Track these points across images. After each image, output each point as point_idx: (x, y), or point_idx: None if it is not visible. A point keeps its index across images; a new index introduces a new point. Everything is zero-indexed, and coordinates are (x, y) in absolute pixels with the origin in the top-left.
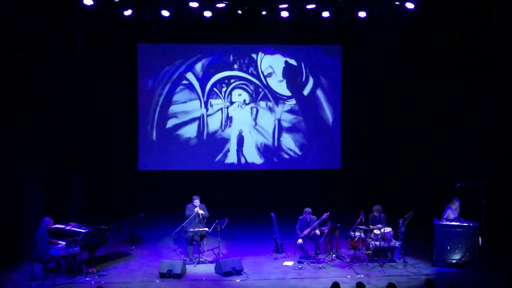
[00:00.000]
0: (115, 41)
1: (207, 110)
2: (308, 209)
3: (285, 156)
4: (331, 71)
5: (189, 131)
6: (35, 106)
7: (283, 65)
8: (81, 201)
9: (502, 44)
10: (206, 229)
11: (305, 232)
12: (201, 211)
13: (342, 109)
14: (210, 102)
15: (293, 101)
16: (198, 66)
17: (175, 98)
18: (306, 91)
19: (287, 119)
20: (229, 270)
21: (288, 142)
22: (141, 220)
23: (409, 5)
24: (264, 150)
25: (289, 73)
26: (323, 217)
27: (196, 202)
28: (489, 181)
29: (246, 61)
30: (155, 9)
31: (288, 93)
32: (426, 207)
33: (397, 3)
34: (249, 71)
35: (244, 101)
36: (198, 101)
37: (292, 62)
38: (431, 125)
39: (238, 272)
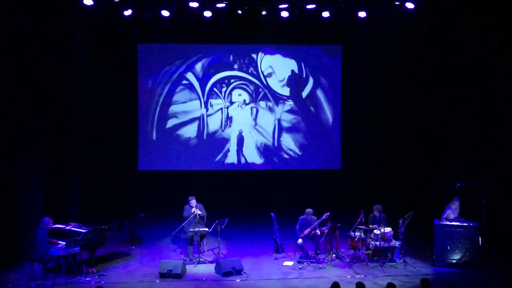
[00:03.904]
0: (115, 41)
1: (207, 110)
2: (309, 210)
3: (285, 156)
4: (331, 71)
5: (189, 131)
6: (35, 106)
7: (289, 73)
8: (81, 201)
9: (502, 44)
10: (206, 229)
11: (305, 232)
12: (198, 212)
13: (342, 109)
14: (210, 102)
15: (293, 101)
16: (198, 66)
17: (175, 98)
18: (306, 91)
19: (287, 119)
20: (229, 270)
21: (288, 142)
22: (141, 220)
23: (409, 5)
24: (264, 150)
25: (295, 81)
26: (323, 217)
27: (193, 202)
28: (489, 181)
29: (246, 61)
30: (155, 9)
31: (288, 93)
32: (426, 207)
33: (397, 3)
34: (249, 71)
35: (244, 101)
36: (198, 101)
37: (294, 65)
38: (431, 125)
39: (238, 272)
